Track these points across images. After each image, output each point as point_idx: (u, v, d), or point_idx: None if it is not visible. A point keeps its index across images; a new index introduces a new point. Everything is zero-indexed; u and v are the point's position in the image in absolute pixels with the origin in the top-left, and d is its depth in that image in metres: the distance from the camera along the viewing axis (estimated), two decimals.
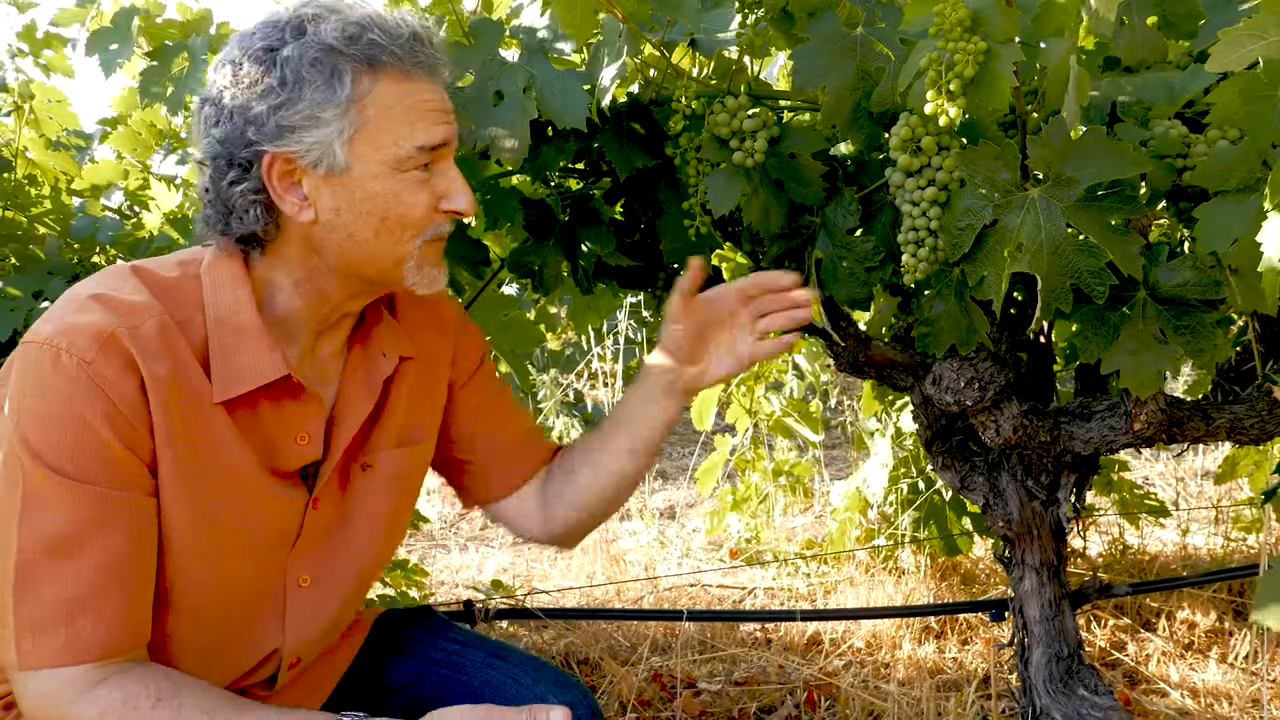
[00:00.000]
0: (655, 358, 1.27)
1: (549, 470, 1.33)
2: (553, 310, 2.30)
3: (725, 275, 1.84)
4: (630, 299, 3.40)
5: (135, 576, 0.97)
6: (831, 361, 1.66)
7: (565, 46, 1.27)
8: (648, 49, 1.23)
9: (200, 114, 1.02)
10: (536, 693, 1.17)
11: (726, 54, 1.26)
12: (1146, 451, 4.23)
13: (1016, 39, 0.95)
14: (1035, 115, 1.11)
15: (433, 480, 4.90)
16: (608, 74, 1.15)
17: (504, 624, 2.60)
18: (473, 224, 1.63)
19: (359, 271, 1.05)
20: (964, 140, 1.10)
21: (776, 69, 1.98)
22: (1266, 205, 0.93)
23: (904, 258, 1.15)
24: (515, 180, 1.62)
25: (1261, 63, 0.92)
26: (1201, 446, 4.04)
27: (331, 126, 0.97)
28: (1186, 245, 1.32)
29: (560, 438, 5.29)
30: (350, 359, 1.14)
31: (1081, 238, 1.02)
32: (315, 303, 1.07)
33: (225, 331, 1.01)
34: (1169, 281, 1.11)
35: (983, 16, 0.94)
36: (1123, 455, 2.89)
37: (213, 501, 1.01)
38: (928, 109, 0.94)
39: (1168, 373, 1.12)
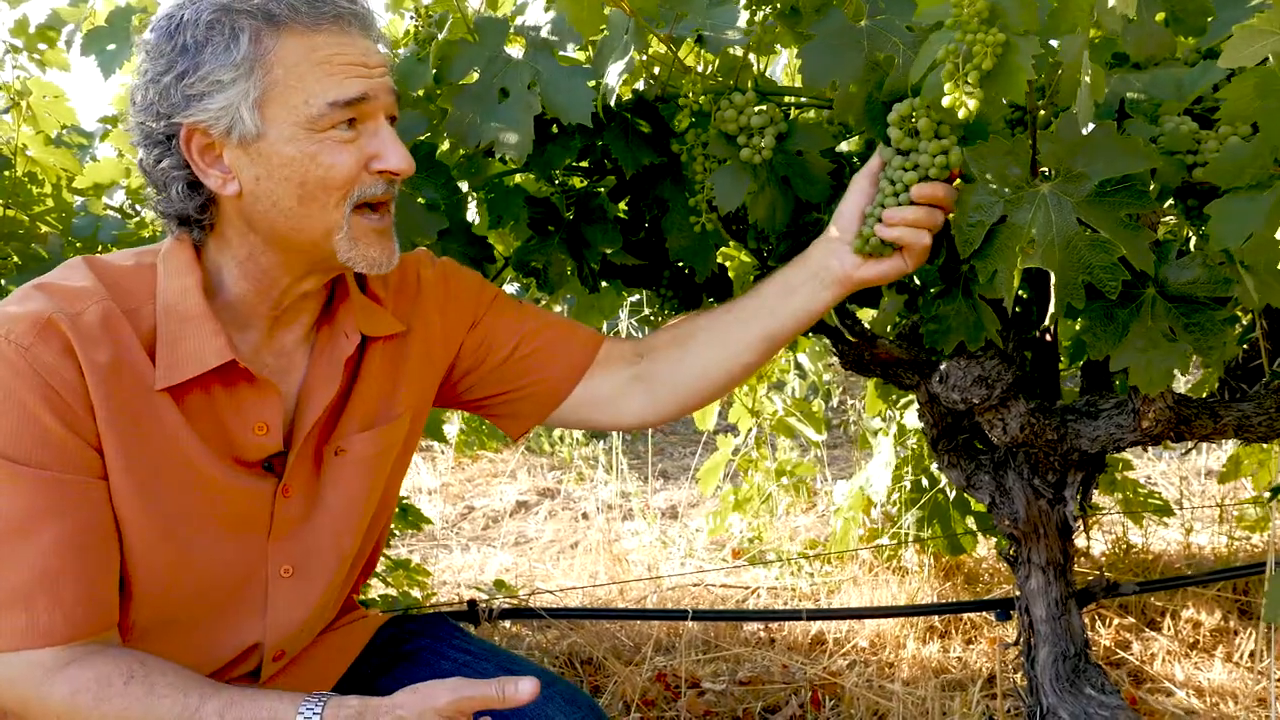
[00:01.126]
0: (817, 243, 1.18)
1: (648, 349, 1.28)
2: (556, 309, 2.29)
3: (730, 274, 1.83)
4: (632, 297, 3.39)
5: (92, 559, 0.97)
6: (836, 360, 1.65)
7: (570, 44, 1.26)
8: (653, 45, 1.23)
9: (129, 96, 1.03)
10: (546, 711, 1.15)
11: (732, 52, 1.26)
12: (1150, 450, 4.23)
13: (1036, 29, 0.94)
14: (1044, 112, 1.10)
15: (434, 480, 4.87)
16: (614, 70, 1.15)
17: (507, 624, 2.60)
18: (476, 221, 1.62)
19: (293, 244, 1.03)
20: (961, 130, 1.08)
21: (780, 67, 1.97)
22: None
23: (863, 228, 1.11)
24: (519, 179, 1.61)
25: (1273, 58, 0.92)
26: (1205, 445, 4.03)
27: (235, 89, 0.95)
28: (1193, 243, 1.32)
29: (561, 437, 5.28)
30: (317, 343, 1.12)
31: (1092, 233, 1.01)
32: (263, 285, 1.06)
33: (172, 319, 1.01)
34: (1178, 279, 1.10)
35: (1001, 8, 0.93)
36: (1126, 454, 2.89)
37: (163, 489, 1.01)
38: (945, 101, 0.93)
39: (1180, 367, 1.12)
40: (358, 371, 1.15)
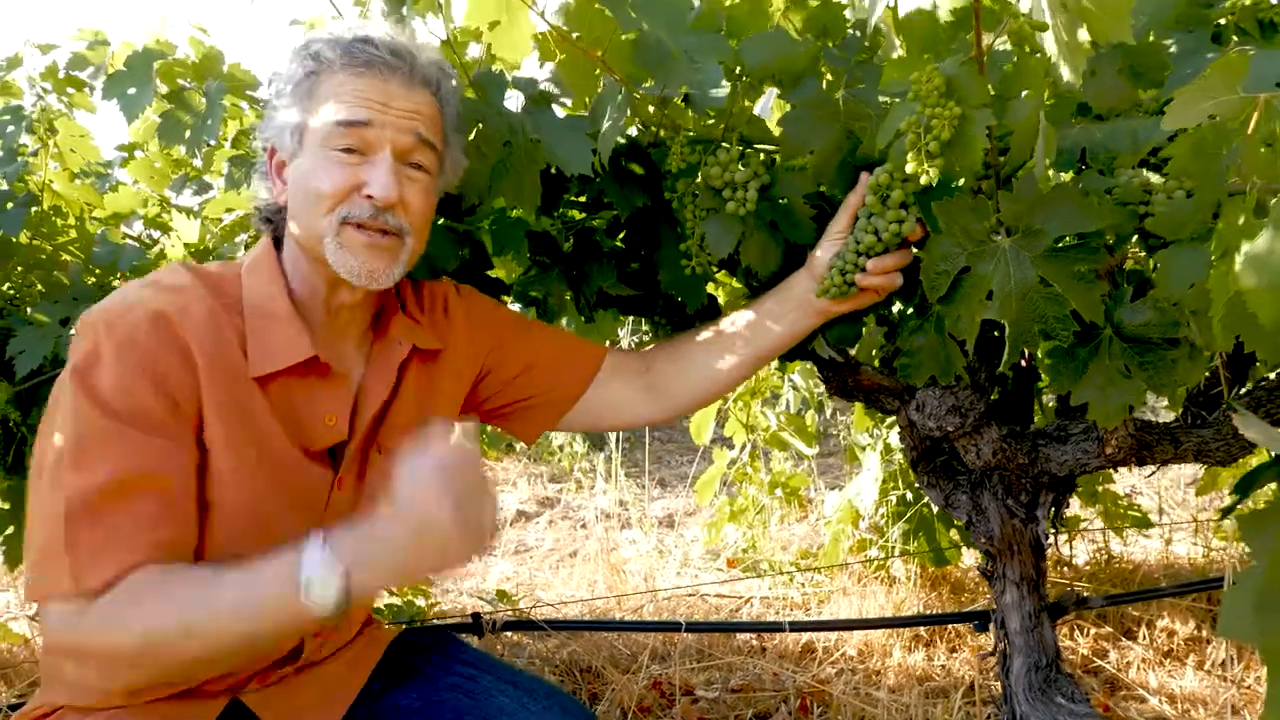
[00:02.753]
0: (799, 275, 1.33)
1: (651, 363, 1.45)
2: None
3: (721, 301, 1.91)
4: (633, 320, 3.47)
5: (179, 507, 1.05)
6: (823, 385, 1.73)
7: (566, 98, 1.34)
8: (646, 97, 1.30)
9: None
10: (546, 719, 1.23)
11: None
12: None
13: (989, 103, 1.02)
14: (1007, 167, 1.18)
15: None
16: (606, 133, 1.22)
17: (510, 634, 2.67)
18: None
19: (305, 248, 1.17)
20: (917, 199, 1.19)
21: (770, 102, 2.05)
22: (1213, 257, 1.01)
23: (824, 276, 1.27)
24: (520, 212, 1.69)
25: (1210, 121, 0.99)
26: None
27: (287, 114, 1.15)
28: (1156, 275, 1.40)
29: (562, 447, 5.35)
30: (373, 351, 1.25)
31: (1048, 286, 1.09)
32: (307, 288, 1.19)
33: (259, 316, 1.14)
34: (1132, 321, 1.18)
35: (957, 83, 1.01)
36: None
37: (258, 473, 1.11)
38: (909, 168, 1.02)
39: (1135, 402, 1.20)
40: (399, 382, 1.27)
